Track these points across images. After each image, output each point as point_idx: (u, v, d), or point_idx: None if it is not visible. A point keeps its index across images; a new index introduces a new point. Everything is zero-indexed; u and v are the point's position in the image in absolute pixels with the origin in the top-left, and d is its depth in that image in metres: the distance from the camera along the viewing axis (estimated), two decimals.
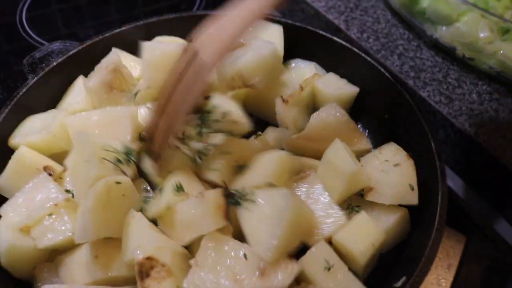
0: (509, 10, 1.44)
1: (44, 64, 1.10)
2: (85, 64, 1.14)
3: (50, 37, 1.66)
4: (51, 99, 1.11)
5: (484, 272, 0.84)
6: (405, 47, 1.45)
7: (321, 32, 1.24)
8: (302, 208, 0.92)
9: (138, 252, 0.81)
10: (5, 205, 0.93)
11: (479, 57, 1.34)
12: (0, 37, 1.65)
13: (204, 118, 1.01)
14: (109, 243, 0.87)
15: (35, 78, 1.03)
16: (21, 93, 1.00)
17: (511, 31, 1.31)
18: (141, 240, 0.85)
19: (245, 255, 0.84)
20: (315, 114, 1.10)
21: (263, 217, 0.87)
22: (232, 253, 0.84)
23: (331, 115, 1.10)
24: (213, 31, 0.89)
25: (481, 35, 1.32)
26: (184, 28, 1.22)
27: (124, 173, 0.94)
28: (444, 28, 1.39)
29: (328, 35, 1.23)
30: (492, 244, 0.92)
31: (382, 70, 1.16)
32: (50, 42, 1.61)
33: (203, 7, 1.77)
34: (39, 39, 1.62)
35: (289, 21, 1.26)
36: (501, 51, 1.30)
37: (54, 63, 1.07)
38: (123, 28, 1.20)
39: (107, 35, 1.18)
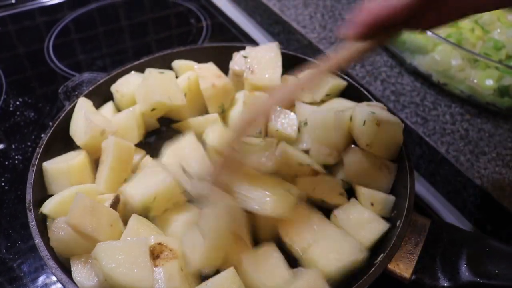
0: (480, 40, 1.63)
1: (76, 92, 1.28)
2: (110, 92, 1.33)
3: (69, 62, 1.87)
4: None
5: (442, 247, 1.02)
6: (387, 74, 1.64)
7: (309, 58, 1.41)
8: None
9: (152, 238, 0.99)
10: None
11: (452, 82, 1.52)
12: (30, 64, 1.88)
13: None
14: None
15: (72, 104, 1.21)
16: (61, 117, 1.19)
17: (479, 60, 1.49)
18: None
19: None
20: None
21: None
22: None
23: None
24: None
25: (453, 63, 1.51)
26: (194, 57, 1.43)
27: None
28: (421, 57, 1.58)
29: (313, 60, 1.41)
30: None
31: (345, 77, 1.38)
32: (69, 67, 1.83)
33: (208, 38, 1.98)
34: (60, 65, 1.85)
35: (284, 51, 1.45)
36: (470, 78, 1.49)
37: (86, 91, 1.26)
38: (142, 60, 1.38)
39: (128, 66, 1.36)
